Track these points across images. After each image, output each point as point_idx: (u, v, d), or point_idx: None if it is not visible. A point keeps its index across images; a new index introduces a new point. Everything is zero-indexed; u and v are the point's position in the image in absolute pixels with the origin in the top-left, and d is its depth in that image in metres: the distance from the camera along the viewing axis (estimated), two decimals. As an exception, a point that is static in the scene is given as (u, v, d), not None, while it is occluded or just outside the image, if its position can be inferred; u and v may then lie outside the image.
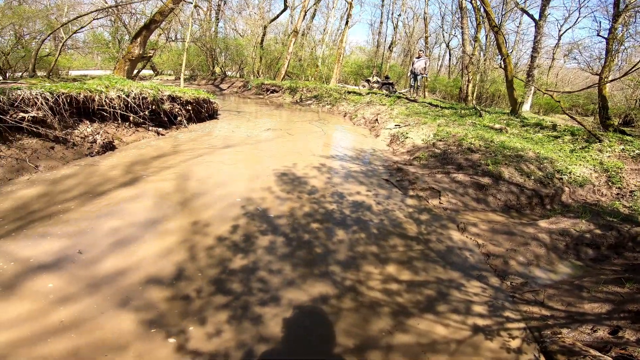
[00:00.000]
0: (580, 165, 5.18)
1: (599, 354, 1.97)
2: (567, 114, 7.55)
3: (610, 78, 9.30)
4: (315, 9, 23.66)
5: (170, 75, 23.30)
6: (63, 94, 4.87)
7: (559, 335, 2.20)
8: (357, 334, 2.08)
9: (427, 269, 2.86)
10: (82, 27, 13.92)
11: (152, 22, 10.12)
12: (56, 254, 2.51)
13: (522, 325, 2.33)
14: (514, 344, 2.15)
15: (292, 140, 6.84)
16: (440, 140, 6.24)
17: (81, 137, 4.92)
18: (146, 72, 22.86)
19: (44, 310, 1.98)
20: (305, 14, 19.40)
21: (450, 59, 28.46)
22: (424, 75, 12.21)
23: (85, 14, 13.31)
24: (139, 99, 5.98)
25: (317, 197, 4.05)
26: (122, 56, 10.38)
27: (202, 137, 6.43)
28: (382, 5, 26.90)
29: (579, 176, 4.90)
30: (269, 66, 21.91)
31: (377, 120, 9.18)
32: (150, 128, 6.21)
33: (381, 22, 27.88)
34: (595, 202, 4.54)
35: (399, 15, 25.70)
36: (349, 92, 13.06)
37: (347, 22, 18.76)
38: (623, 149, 5.66)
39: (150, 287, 2.27)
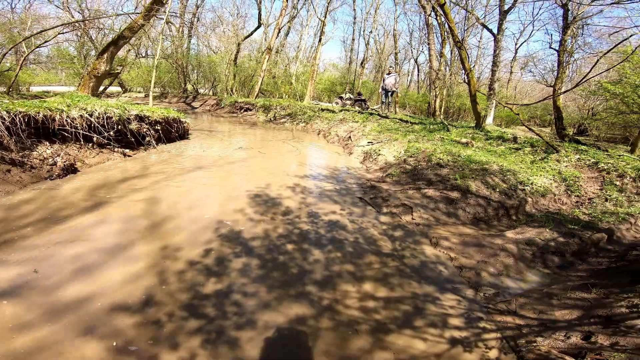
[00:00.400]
0: (540, 175, 5.48)
1: (575, 360, 2.01)
2: (526, 126, 8.03)
3: (563, 89, 10.03)
4: (289, 27, 24.13)
5: (139, 92, 22.75)
6: (20, 113, 4.61)
7: (534, 344, 2.23)
8: (336, 354, 2.05)
9: (403, 285, 2.88)
10: (46, 42, 13.42)
11: (120, 38, 9.91)
12: (13, 280, 2.37)
13: (498, 335, 2.37)
14: (492, 354, 2.18)
15: (266, 161, 6.79)
16: (410, 157, 6.41)
17: (40, 160, 4.64)
18: (114, 89, 22.21)
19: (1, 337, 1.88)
20: (279, 32, 19.73)
21: (418, 74, 29.70)
22: (395, 91, 12.63)
23: (50, 28, 12.85)
24: (104, 118, 5.75)
25: (291, 217, 4.01)
26: (87, 72, 10.06)
27: (172, 159, 6.25)
28: (354, 23, 27.83)
29: (540, 186, 5.17)
30: (242, 83, 21.92)
31: (350, 137, 9.34)
32: (115, 149, 5.96)
33: (353, 39, 28.78)
34: (557, 211, 4.79)
35: (370, 32, 26.70)
36: (323, 110, 13.25)
37: (320, 40, 19.27)
38: (579, 158, 6.06)
39: (117, 313, 2.18)
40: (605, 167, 5.52)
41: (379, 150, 7.32)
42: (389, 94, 12.50)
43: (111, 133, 5.83)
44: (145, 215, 3.69)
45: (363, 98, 16.37)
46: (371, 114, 11.73)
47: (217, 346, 2.02)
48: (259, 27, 22.14)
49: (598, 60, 4.42)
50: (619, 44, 5.43)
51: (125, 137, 6.21)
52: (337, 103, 17.19)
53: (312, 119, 12.65)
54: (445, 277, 3.09)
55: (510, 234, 3.84)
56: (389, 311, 2.51)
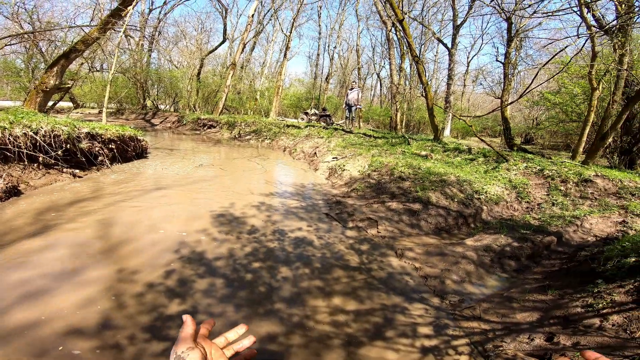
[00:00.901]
0: (493, 184, 5.84)
1: (542, 362, 2.07)
2: (478, 137, 8.60)
3: (509, 101, 10.89)
4: (255, 42, 24.26)
5: (93, 108, 21.54)
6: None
7: (501, 348, 2.29)
8: (309, 372, 2.00)
9: (372, 297, 2.89)
10: None
11: (72, 50, 9.37)
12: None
13: (466, 341, 2.43)
14: None
15: (230, 179, 6.64)
16: (374, 171, 6.58)
17: (-25, 184, 4.19)
18: (65, 104, 20.85)
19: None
20: (245, 47, 19.73)
21: (381, 88, 30.83)
22: (358, 107, 12.99)
23: None
24: (51, 136, 5.35)
25: (257, 236, 3.92)
26: (35, 86, 9.36)
27: (129, 179, 5.92)
28: (319, 38, 28.64)
29: (493, 195, 5.51)
30: (206, 99, 21.51)
31: (315, 153, 9.43)
32: (64, 170, 5.54)
33: (318, 54, 29.53)
34: (510, 217, 5.11)
35: (335, 47, 27.55)
36: (289, 126, 13.30)
37: (285, 55, 19.50)
38: (526, 166, 6.54)
39: (71, 337, 2.06)
40: (550, 174, 6.01)
41: (344, 165, 7.44)
42: (352, 108, 12.84)
43: (59, 152, 5.42)
44: (99, 239, 3.45)
45: (328, 113, 16.70)
46: (336, 129, 11.96)
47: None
48: (223, 41, 22.06)
49: (538, 71, 4.85)
50: (555, 55, 6.03)
51: (75, 156, 5.80)
52: (302, 119, 17.37)
53: (277, 135, 12.64)
54: (412, 287, 3.15)
55: (469, 241, 4.03)
56: (360, 324, 2.51)
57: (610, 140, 8.07)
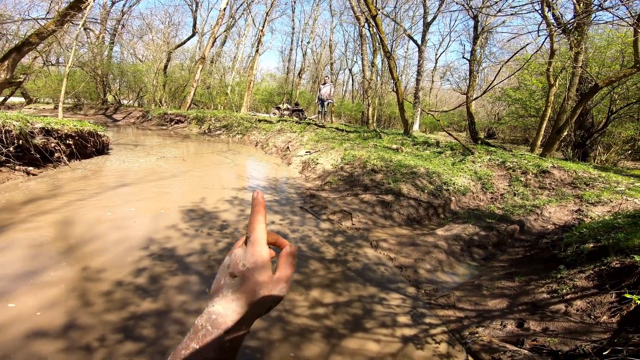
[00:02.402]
0: (460, 176, 6.08)
1: (516, 348, 2.14)
2: (446, 131, 8.90)
3: (474, 96, 11.37)
4: (226, 36, 23.53)
5: (47, 103, 20.06)
6: None
7: (477, 335, 2.36)
8: (292, 364, 1.98)
9: (349, 288, 2.92)
10: None
11: (25, 44, 8.67)
12: None
13: (443, 329, 2.50)
14: (442, 348, 2.28)
15: (201, 174, 6.43)
16: (347, 164, 6.64)
17: None
18: (16, 99, 19.25)
19: None
20: (215, 41, 19.10)
21: (353, 84, 31.14)
22: (330, 101, 13.02)
23: None
24: (1, 132, 4.91)
25: (230, 231, 3.83)
26: (-17, 81, 8.57)
27: (89, 176, 5.57)
28: (293, 33, 28.33)
29: (461, 186, 5.73)
30: (173, 94, 20.63)
31: (288, 148, 9.35)
32: (17, 167, 5.11)
33: (291, 49, 29.22)
34: (476, 207, 5.35)
35: (308, 42, 27.35)
36: (260, 121, 13.07)
37: (257, 50, 19.08)
38: (490, 158, 6.87)
39: (36, 340, 1.96)
40: (512, 166, 6.34)
41: (317, 159, 7.44)
42: (325, 103, 12.86)
43: (11, 149, 4.99)
44: (58, 239, 3.23)
45: (300, 108, 16.59)
46: (308, 123, 11.92)
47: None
48: (193, 35, 21.23)
49: (500, 68, 5.13)
50: (516, 52, 6.36)
51: (29, 153, 5.36)
52: (274, 114, 17.15)
53: (249, 130, 12.40)
54: (388, 277, 3.22)
55: (440, 231, 4.17)
56: (340, 315, 2.52)
57: (565, 134, 8.66)
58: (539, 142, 9.59)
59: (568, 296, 2.53)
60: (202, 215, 4.18)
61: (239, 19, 22.73)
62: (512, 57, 7.39)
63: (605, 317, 2.24)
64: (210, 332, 0.39)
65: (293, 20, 27.69)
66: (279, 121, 12.71)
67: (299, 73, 26.57)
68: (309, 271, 3.13)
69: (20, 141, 5.20)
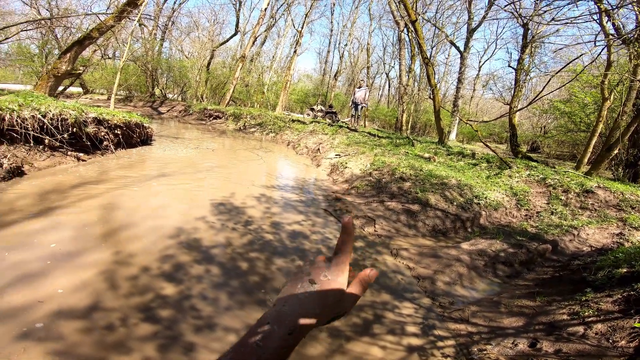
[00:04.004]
0: (494, 190, 5.84)
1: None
2: (483, 143, 8.56)
3: (518, 107, 10.78)
4: (266, 36, 24.22)
5: (102, 94, 21.72)
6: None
7: (485, 352, 2.30)
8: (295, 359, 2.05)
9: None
10: (7, 38, 12.56)
11: (86, 38, 9.51)
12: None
13: (452, 342, 2.45)
14: None
15: (233, 170, 6.69)
16: (376, 170, 6.60)
17: (-19, 162, 4.28)
18: (74, 89, 21.06)
19: None
20: (255, 40, 19.72)
21: (389, 88, 30.57)
22: (364, 105, 12.96)
23: (13, 25, 12.09)
24: (58, 119, 5.43)
25: (255, 227, 3.97)
26: (47, 71, 9.52)
27: (132, 165, 6.00)
28: (331, 35, 28.55)
29: (493, 200, 5.50)
30: (214, 90, 21.58)
31: (319, 149, 9.45)
32: (69, 153, 5.63)
33: (328, 51, 29.48)
34: (508, 224, 5.11)
35: (346, 45, 27.40)
36: (294, 121, 13.32)
37: (295, 50, 19.46)
38: (529, 174, 6.52)
39: (62, 320, 2.10)
40: (552, 183, 5.98)
41: (346, 163, 7.46)
42: (359, 107, 12.83)
43: (65, 136, 5.51)
44: (100, 223, 3.50)
45: (334, 110, 16.69)
46: (341, 126, 11.97)
47: (172, 349, 1.99)
48: (235, 34, 22.07)
49: (550, 79, 4.82)
50: (569, 62, 5.94)
51: (81, 140, 5.88)
52: (308, 114, 17.37)
53: (282, 129, 12.67)
54: (404, 286, 3.19)
55: (465, 245, 4.04)
56: (349, 318, 2.54)
57: (616, 151, 8.00)
58: (586, 159, 8.95)
59: (589, 319, 2.39)
60: (230, 210, 4.36)
61: (279, 19, 23.31)
62: (564, 66, 6.92)
63: (623, 342, 2.10)
64: (276, 331, 0.45)
65: (332, 22, 27.96)
66: (312, 122, 12.88)
67: (335, 75, 26.69)
68: (325, 273, 3.18)
69: (74, 129, 5.72)
